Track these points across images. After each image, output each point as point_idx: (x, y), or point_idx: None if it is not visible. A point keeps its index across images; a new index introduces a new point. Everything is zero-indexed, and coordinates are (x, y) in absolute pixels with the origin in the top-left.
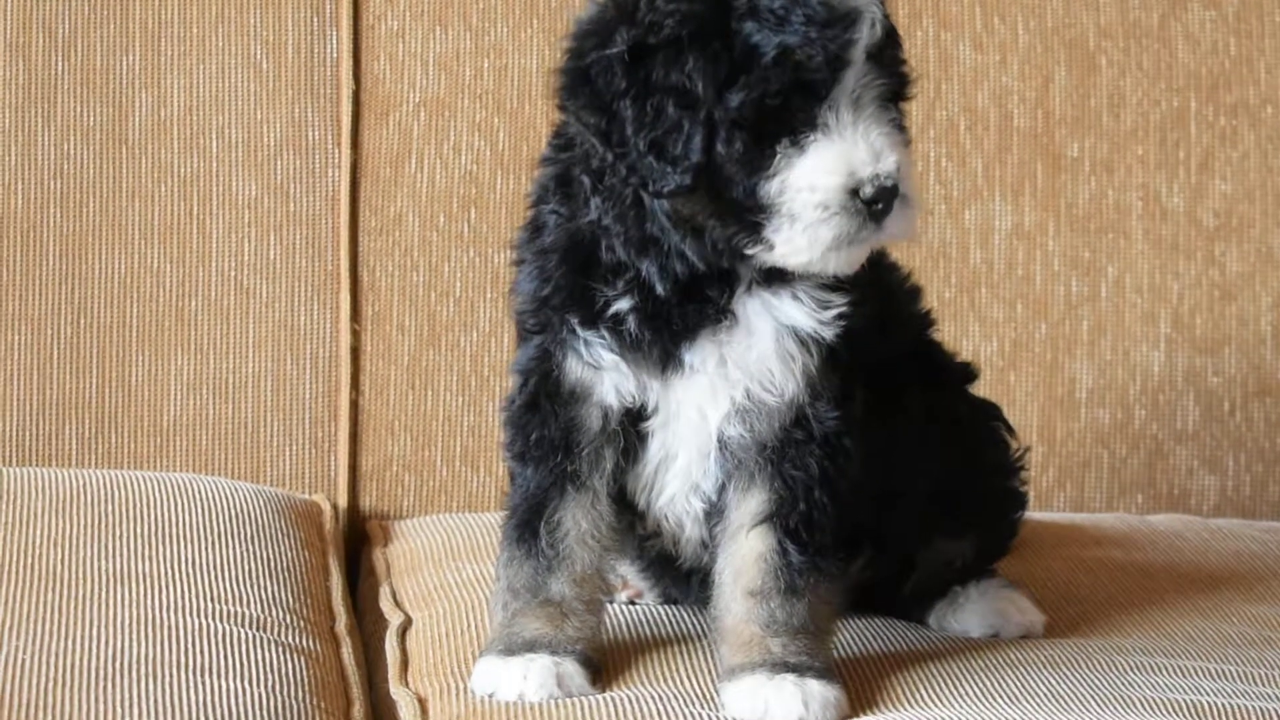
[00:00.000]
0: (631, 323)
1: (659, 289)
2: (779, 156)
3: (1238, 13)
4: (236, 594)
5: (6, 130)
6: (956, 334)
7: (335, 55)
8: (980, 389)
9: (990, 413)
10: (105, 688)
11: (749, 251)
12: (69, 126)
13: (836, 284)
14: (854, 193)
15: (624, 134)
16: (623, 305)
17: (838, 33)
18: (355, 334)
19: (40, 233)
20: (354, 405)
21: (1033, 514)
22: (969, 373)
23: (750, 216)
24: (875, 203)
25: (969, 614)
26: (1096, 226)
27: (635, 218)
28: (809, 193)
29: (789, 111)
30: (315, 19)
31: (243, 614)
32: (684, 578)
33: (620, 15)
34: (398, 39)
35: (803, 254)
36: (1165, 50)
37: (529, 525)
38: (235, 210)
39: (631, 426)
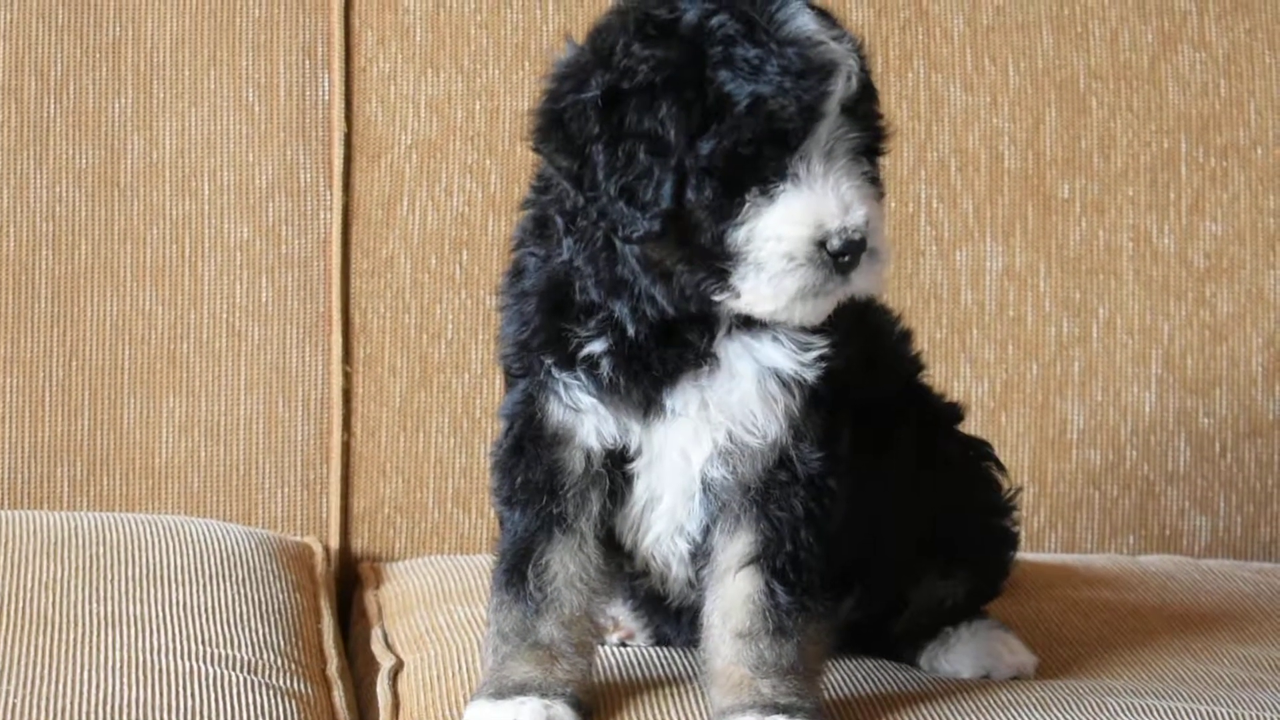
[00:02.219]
0: (606, 366)
1: (630, 331)
2: (748, 205)
3: (1228, 55)
4: (228, 637)
5: None
6: (948, 375)
7: (327, 98)
8: (971, 429)
9: (981, 451)
10: None
11: (716, 298)
12: (61, 169)
13: (818, 326)
14: (821, 245)
15: (595, 178)
16: (596, 348)
17: (812, 84)
18: (347, 376)
19: (32, 275)
20: (346, 447)
21: (1024, 555)
22: (957, 413)
23: (718, 263)
24: (842, 255)
25: (960, 655)
26: (1087, 267)
27: (606, 260)
28: (776, 242)
29: (760, 161)
30: (307, 61)
31: (234, 657)
32: (674, 616)
33: (596, 59)
34: (389, 81)
35: (768, 303)
36: (1155, 92)
37: (517, 569)
38: (227, 252)
39: (616, 468)
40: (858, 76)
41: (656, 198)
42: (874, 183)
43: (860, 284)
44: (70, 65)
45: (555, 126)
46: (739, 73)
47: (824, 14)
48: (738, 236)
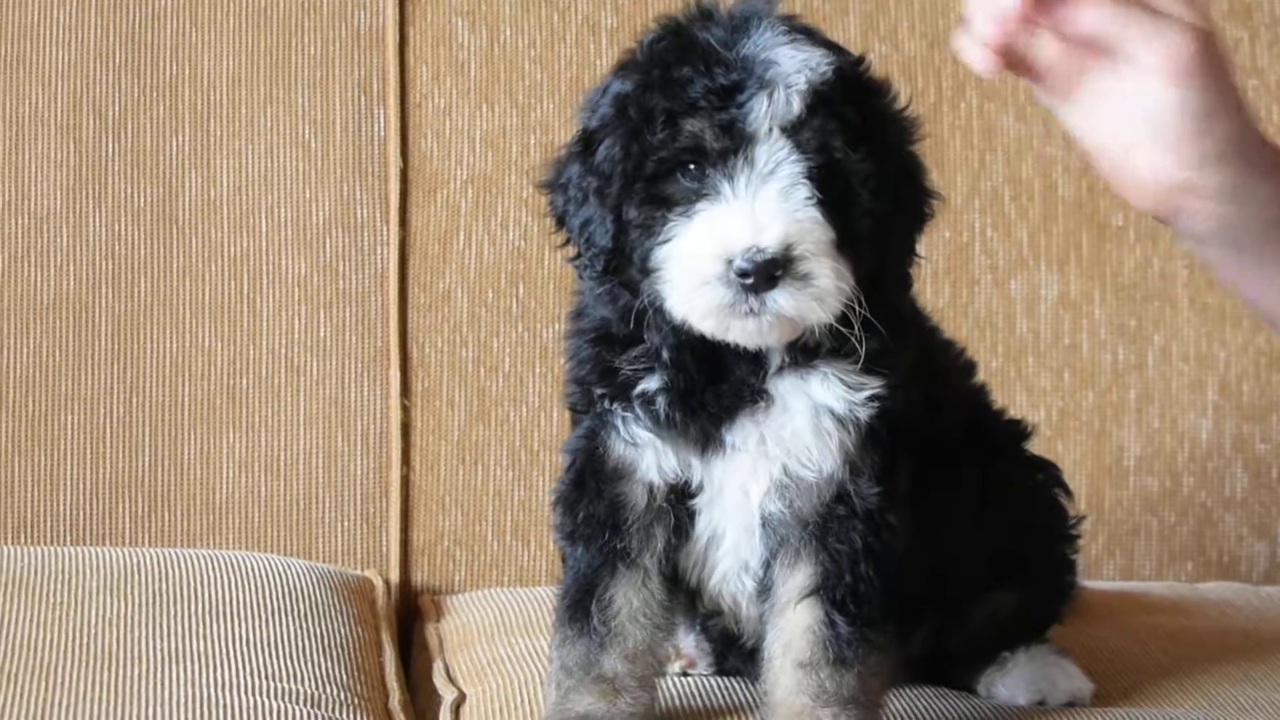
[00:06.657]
0: (662, 402)
1: (665, 356)
2: (670, 223)
3: None
4: (290, 671)
5: (58, 212)
6: (1004, 403)
7: (383, 133)
8: None
9: (1048, 473)
10: None
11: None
12: (119, 207)
13: (870, 367)
14: (730, 263)
15: (569, 219)
16: (651, 385)
17: (731, 104)
18: (405, 410)
19: (92, 313)
20: (405, 481)
21: (1082, 582)
22: (1023, 431)
23: (646, 280)
24: (745, 276)
25: (1016, 679)
26: (1142, 295)
27: (608, 292)
28: (688, 260)
29: (686, 180)
30: (363, 98)
31: (297, 691)
32: (749, 655)
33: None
34: (444, 116)
35: (695, 319)
36: None
37: (581, 604)
38: (285, 288)
39: (679, 503)
40: (801, 95)
41: (601, 236)
42: (827, 206)
43: (787, 306)
44: (128, 104)
45: (553, 165)
46: (665, 93)
47: (807, 33)
48: (660, 254)
